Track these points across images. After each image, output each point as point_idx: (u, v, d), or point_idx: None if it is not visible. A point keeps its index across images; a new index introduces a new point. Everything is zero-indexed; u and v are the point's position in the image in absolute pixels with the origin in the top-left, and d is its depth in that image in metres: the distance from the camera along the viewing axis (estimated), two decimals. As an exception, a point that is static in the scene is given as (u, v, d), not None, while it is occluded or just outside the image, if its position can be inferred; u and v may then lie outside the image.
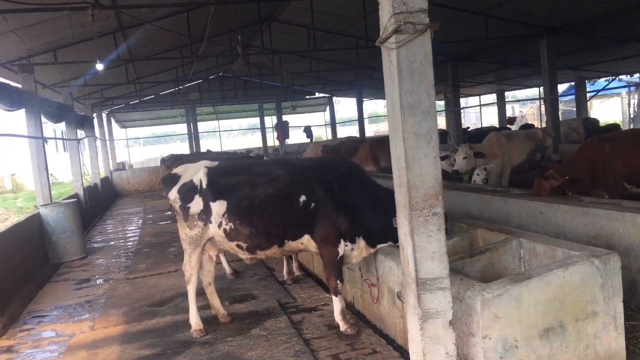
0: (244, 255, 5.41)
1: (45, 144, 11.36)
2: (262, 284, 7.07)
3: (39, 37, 10.30)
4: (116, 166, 24.77)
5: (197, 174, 5.53)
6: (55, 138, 17.13)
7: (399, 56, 3.58)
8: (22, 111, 10.73)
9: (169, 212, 14.38)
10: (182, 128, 29.26)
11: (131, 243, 11.26)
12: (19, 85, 10.81)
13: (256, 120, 29.92)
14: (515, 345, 3.68)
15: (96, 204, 16.51)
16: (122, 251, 10.53)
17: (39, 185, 10.87)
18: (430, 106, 3.68)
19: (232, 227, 5.23)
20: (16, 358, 5.49)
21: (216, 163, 5.81)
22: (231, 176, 5.47)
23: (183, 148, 31.76)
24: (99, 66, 10.74)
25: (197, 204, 5.40)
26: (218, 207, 5.29)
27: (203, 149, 23.65)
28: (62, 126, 21.65)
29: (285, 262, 7.16)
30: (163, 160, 14.63)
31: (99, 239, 12.19)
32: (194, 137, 25.15)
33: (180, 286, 7.10)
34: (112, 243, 11.59)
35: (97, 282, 8.24)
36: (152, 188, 20.79)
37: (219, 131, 31.59)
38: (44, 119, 12.24)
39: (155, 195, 18.47)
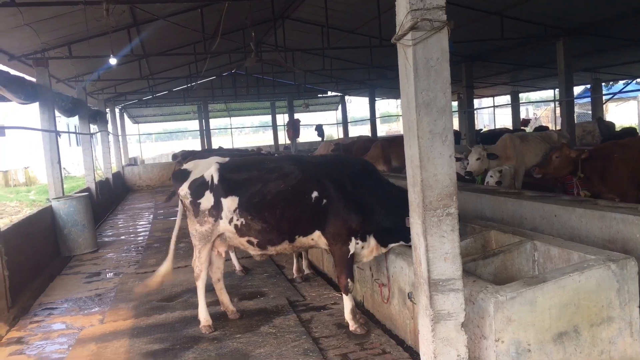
0: (254, 251, 5.40)
1: (59, 137, 11.42)
2: (271, 282, 7.05)
3: (54, 31, 10.36)
4: (128, 161, 24.90)
5: (208, 169, 5.51)
6: (68, 132, 17.24)
7: (415, 53, 3.54)
8: (36, 105, 10.79)
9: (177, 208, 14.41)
10: (194, 124, 29.35)
11: (141, 238, 11.29)
12: (33, 79, 10.87)
13: (268, 118, 29.94)
14: (529, 349, 3.62)
15: (108, 198, 16.59)
16: (132, 246, 10.56)
17: (52, 178, 10.93)
18: (446, 105, 3.63)
19: (244, 222, 5.21)
20: (26, 349, 5.51)
21: (227, 159, 5.79)
22: (243, 172, 5.45)
23: (195, 144, 31.87)
24: (113, 61, 10.76)
25: (207, 200, 5.38)
26: (229, 203, 5.27)
27: (215, 146, 23.72)
28: (75, 120, 21.79)
29: (295, 260, 7.13)
30: (174, 156, 14.67)
31: (110, 233, 12.24)
32: (205, 133, 25.22)
33: (189, 282, 7.08)
34: (122, 237, 11.63)
35: (108, 276, 8.26)
36: (164, 184, 20.87)
37: (231, 128, 31.60)
38: (57, 113, 12.30)
39: (167, 190, 18.43)
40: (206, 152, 14.52)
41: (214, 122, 28.38)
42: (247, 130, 52.63)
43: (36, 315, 6.61)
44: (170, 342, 5.25)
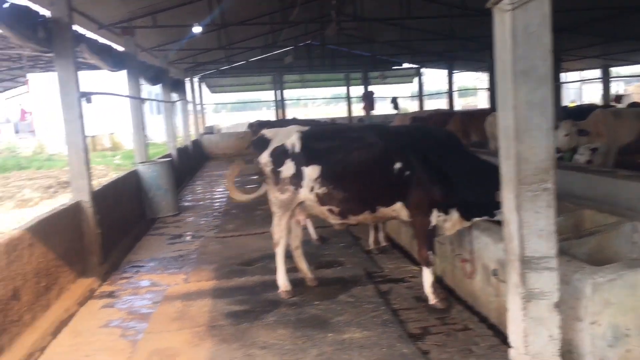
0: (334, 220, 5.41)
1: (143, 104, 11.87)
2: (348, 252, 7.07)
3: (140, 1, 10.66)
4: (205, 130, 25.61)
5: (289, 138, 5.53)
6: (153, 100, 17.88)
7: (514, 18, 3.37)
8: (114, 76, 11.17)
9: (255, 177, 14.71)
10: (266, 95, 29.67)
11: (219, 204, 11.63)
12: (120, 48, 11.29)
13: (340, 90, 29.78)
14: (627, 334, 3.42)
15: (187, 165, 17.17)
16: (210, 211, 10.89)
17: (137, 143, 11.41)
18: (545, 73, 3.44)
19: (325, 191, 5.21)
20: (117, 303, 5.85)
21: (308, 128, 5.79)
22: (325, 141, 5.44)
23: (268, 115, 32.26)
24: (197, 29, 10.97)
25: (288, 168, 5.42)
26: (311, 172, 5.28)
27: (288, 117, 23.92)
28: (152, 89, 22.58)
29: (371, 232, 7.10)
30: (250, 126, 14.89)
31: (189, 198, 12.68)
32: (280, 104, 25.42)
33: (267, 248, 7.23)
34: (201, 203, 12.02)
35: (189, 239, 8.57)
36: (240, 152, 21.26)
37: (304, 99, 31.68)
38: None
39: (243, 159, 18.91)
40: (281, 122, 14.67)
41: (286, 93, 28.59)
42: (319, 102, 52.78)
43: (125, 272, 6.98)
44: (250, 305, 5.41)
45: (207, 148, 23.15)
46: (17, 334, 4.67)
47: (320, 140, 5.44)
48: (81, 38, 8.70)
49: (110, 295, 6.13)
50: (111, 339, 4.90)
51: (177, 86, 18.15)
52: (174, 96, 18.51)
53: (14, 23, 6.15)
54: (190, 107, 21.63)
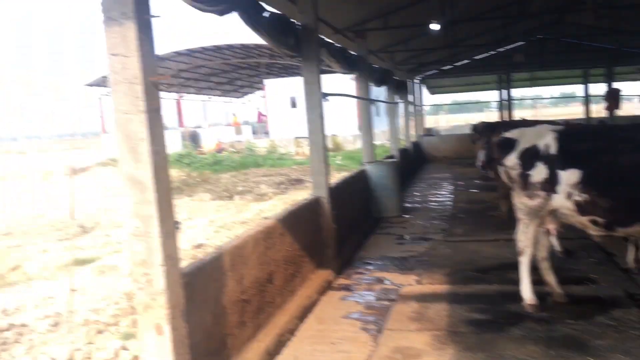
0: (596, 231, 4.78)
1: (371, 106, 12.21)
2: (600, 269, 6.23)
3: (374, 3, 10.91)
4: (424, 132, 25.54)
5: (542, 138, 5.04)
6: (380, 101, 18.31)
7: None
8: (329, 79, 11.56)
9: (478, 181, 14.09)
10: (486, 95, 28.38)
11: (444, 207, 11.33)
12: (351, 51, 11.74)
13: (572, 88, 27.03)
14: None
15: (408, 166, 17.25)
16: (435, 214, 10.65)
17: (365, 144, 11.76)
18: None
19: (588, 199, 4.62)
20: (354, 296, 6.02)
21: (563, 127, 5.23)
22: (586, 142, 4.85)
23: (490, 116, 30.81)
24: (435, 26, 10.90)
25: (540, 172, 4.94)
26: (569, 176, 4.73)
27: (515, 118, 22.51)
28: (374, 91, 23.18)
29: (631, 248, 6.12)
30: (475, 128, 14.32)
31: (410, 200, 12.60)
32: (506, 105, 24.05)
33: (502, 256, 6.80)
34: (424, 205, 11.88)
35: (416, 240, 8.47)
36: (460, 155, 20.60)
37: (527, 99, 29.54)
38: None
39: (464, 162, 18.29)
40: (511, 123, 13.79)
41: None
42: (544, 102, 48.95)
43: (358, 267, 7.16)
44: (491, 315, 5.09)
45: (427, 150, 22.92)
46: (271, 314, 5.08)
47: (581, 140, 4.87)
48: (322, 43, 9.27)
49: (347, 288, 6.33)
50: (352, 329, 5.04)
51: (400, 88, 18.37)
52: (396, 98, 18.79)
53: (271, 30, 6.75)
54: (410, 108, 21.75)
